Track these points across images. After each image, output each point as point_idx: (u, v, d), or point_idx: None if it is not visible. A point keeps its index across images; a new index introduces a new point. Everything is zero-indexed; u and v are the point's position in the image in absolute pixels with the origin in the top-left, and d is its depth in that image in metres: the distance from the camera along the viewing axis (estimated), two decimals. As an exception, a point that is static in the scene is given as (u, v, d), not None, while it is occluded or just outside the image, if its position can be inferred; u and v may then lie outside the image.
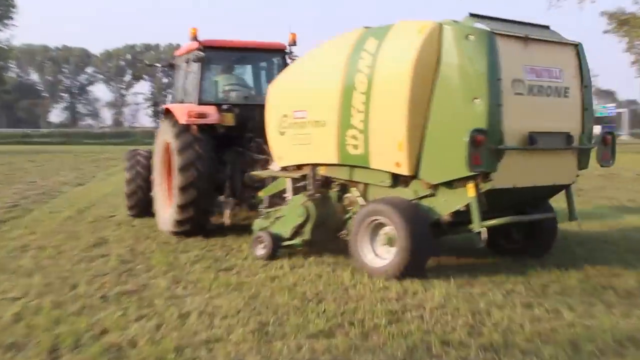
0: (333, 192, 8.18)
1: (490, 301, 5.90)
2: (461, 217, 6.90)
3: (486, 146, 6.49)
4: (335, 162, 7.82)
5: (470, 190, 6.71)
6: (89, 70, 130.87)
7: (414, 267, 6.82)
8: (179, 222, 9.46)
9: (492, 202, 6.80)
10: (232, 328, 5.14)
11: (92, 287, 6.45)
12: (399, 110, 7.01)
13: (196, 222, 9.47)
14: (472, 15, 6.86)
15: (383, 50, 7.35)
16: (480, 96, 6.52)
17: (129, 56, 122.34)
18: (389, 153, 7.20)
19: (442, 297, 5.99)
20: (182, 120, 9.64)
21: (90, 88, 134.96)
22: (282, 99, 8.69)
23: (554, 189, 7.46)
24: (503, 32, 6.76)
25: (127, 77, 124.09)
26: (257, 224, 8.62)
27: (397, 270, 6.81)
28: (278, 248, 8.05)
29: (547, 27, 7.44)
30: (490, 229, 6.78)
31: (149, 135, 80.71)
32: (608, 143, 7.69)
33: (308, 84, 8.34)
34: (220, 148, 9.87)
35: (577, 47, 7.43)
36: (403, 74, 6.99)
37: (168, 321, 5.32)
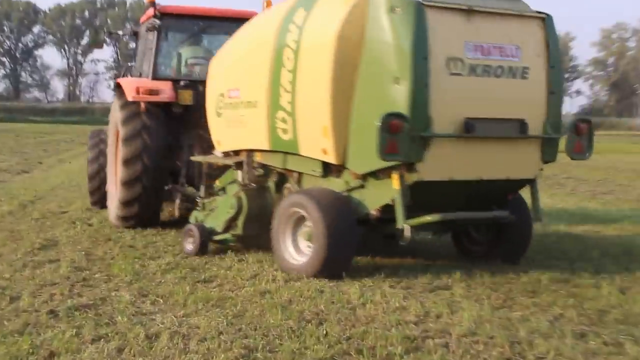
0: (271, 181, 8.79)
1: (533, 328, 5.90)
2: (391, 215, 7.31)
3: (406, 133, 6.92)
4: (267, 147, 8.42)
5: (394, 182, 7.17)
6: (36, 29, 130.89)
7: (331, 267, 7.39)
8: (122, 218, 10.41)
9: (427, 196, 7.29)
10: (212, 353, 5.14)
11: (37, 300, 6.45)
12: (323, 91, 7.49)
13: (142, 218, 10.35)
14: None
15: (309, 23, 7.85)
16: (402, 77, 6.94)
17: (87, 14, 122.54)
18: (315, 139, 7.72)
19: (473, 321, 6.00)
20: (130, 96, 10.23)
21: (37, 52, 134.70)
22: (219, 76, 9.31)
23: (510, 184, 7.84)
24: (438, 4, 7.15)
25: (85, 40, 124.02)
26: (194, 216, 9.48)
27: (313, 270, 7.44)
28: (207, 243, 8.79)
29: None
30: (448, 226, 7.58)
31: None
32: (582, 132, 8.01)
33: (241, 59, 8.91)
34: (179, 130, 10.45)
35: (545, 21, 7.75)
36: (325, 50, 7.47)
37: (132, 344, 5.32)
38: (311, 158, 7.96)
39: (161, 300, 6.51)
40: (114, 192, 10.75)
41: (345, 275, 7.52)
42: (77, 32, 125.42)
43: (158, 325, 5.76)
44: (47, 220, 11.10)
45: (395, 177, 7.20)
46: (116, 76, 13.84)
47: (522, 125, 7.63)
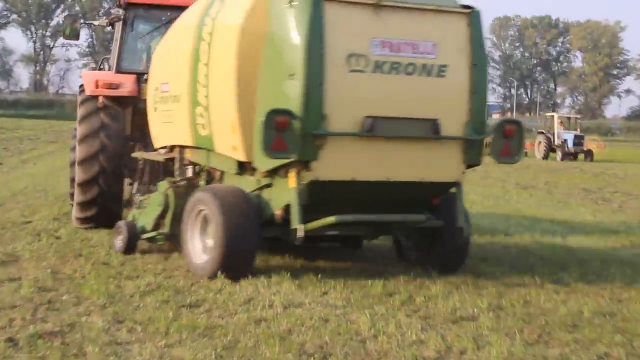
0: (202, 179, 9.73)
1: (573, 368, 6.04)
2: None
3: (295, 130, 7.76)
4: (190, 143, 9.43)
5: (291, 181, 8.01)
6: None
7: (228, 267, 8.25)
8: (80, 220, 11.41)
9: (333, 197, 8.20)
10: (198, 392, 5.24)
11: (-5, 325, 6.68)
12: (229, 86, 8.38)
13: (101, 221, 11.22)
14: None
15: (220, 15, 8.73)
16: (296, 73, 7.76)
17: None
18: (226, 135, 8.61)
19: (502, 359, 5.98)
20: (88, 90, 11.15)
21: None
22: (155, 69, 10.31)
23: (430, 187, 8.61)
24: None
25: (55, 21, 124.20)
26: (132, 213, 10.43)
27: (212, 270, 8.32)
28: (136, 241, 9.81)
29: None
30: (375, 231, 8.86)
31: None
32: (510, 135, 8.78)
33: (169, 52, 9.87)
34: (144, 126, 10.93)
35: (470, 16, 8.46)
36: (230, 44, 8.37)
37: (105, 378, 5.40)
38: (225, 155, 8.83)
39: (139, 328, 6.48)
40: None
41: (354, 301, 7.55)
42: (46, 11, 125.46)
43: (135, 357, 5.74)
44: (7, 232, 11.08)
45: (291, 175, 8.00)
46: (93, 69, 14.65)
47: (434, 125, 8.31)
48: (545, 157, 44.36)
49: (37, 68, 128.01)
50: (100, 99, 11.02)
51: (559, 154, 44.54)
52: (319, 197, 8.11)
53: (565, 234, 13.09)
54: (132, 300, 7.43)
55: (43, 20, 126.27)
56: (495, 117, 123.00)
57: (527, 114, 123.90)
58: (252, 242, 8.38)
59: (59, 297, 7.44)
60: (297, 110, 7.81)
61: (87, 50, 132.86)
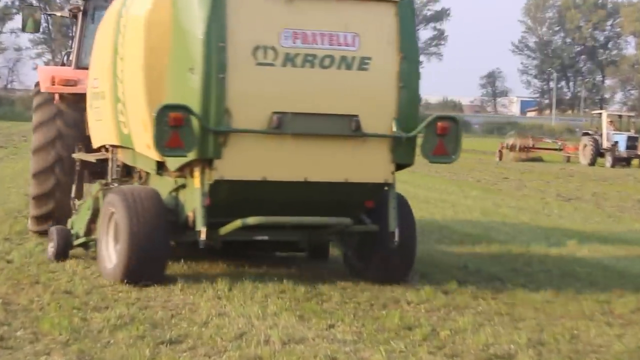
0: (134, 181, 10.60)
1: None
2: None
3: (192, 126, 8.61)
4: (115, 142, 10.32)
5: (195, 180, 8.93)
6: None
7: (134, 274, 9.11)
8: (36, 219, 12.18)
9: (243, 198, 9.02)
10: None
11: None
12: (139, 81, 9.24)
13: (58, 218, 11.69)
14: None
15: (132, 6, 9.59)
16: (196, 66, 8.64)
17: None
18: (141, 133, 9.40)
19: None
20: (44, 87, 11.87)
21: None
22: (91, 63, 11.14)
23: (358, 189, 9.39)
24: None
25: (2, 3, 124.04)
26: (70, 219, 11.24)
27: (118, 275, 9.25)
28: (68, 248, 10.64)
29: None
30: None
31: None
32: (444, 132, 9.50)
33: (97, 45, 10.77)
34: None
35: (398, 5, 9.22)
36: (139, 36, 9.23)
37: None
38: (145, 154, 9.65)
39: (110, 369, 6.60)
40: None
41: (366, 335, 7.50)
42: None
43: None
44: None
45: (196, 174, 8.92)
46: (50, 62, 15.62)
47: (354, 122, 9.07)
48: (592, 163, 44.17)
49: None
50: (57, 96, 11.72)
51: (608, 159, 44.38)
52: (230, 198, 9.01)
53: (617, 255, 13.08)
54: (100, 336, 7.36)
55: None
56: (531, 114, 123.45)
57: (570, 112, 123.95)
58: (160, 248, 9.27)
59: (12, 333, 7.36)
60: (196, 105, 8.66)
61: (41, 37, 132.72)
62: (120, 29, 9.72)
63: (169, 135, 8.59)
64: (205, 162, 8.83)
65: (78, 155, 11.74)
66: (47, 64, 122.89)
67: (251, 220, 9.05)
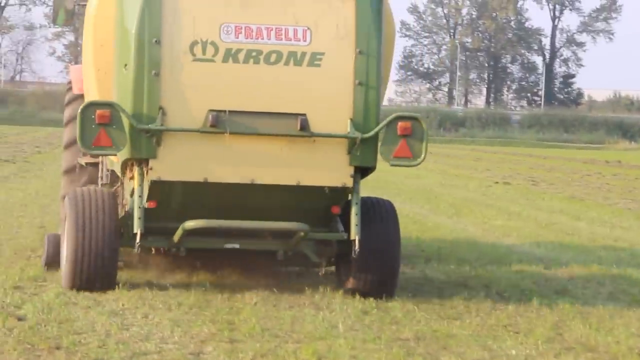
0: (119, 185, 12.98)
1: None
2: None
3: (120, 124, 10.69)
4: None
5: (134, 181, 10.91)
6: None
7: (81, 280, 11.48)
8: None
9: (187, 200, 11.28)
10: None
11: None
12: (92, 80, 11.78)
13: None
14: None
15: (88, 3, 12.18)
16: (129, 62, 10.67)
17: None
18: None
19: None
20: (76, 88, 13.71)
21: None
22: None
23: (309, 192, 11.20)
24: None
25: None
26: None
27: (66, 282, 11.54)
28: (58, 256, 12.27)
29: None
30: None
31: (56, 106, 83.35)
32: (406, 133, 11.34)
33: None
34: None
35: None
36: (88, 32, 11.69)
37: None
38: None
39: None
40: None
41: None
42: None
43: None
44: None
45: (135, 175, 10.97)
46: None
47: (301, 121, 10.88)
48: None
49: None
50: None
51: None
52: (173, 201, 11.23)
53: None
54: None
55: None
56: None
57: None
58: (107, 253, 11.42)
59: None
60: (129, 103, 10.72)
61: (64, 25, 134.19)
62: (88, 26, 11.95)
63: (96, 133, 10.84)
64: (143, 162, 10.89)
65: (81, 159, 13.85)
66: (67, 47, 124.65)
67: (190, 224, 11.04)
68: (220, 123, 10.71)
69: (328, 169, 11.08)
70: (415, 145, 11.34)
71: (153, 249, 12.29)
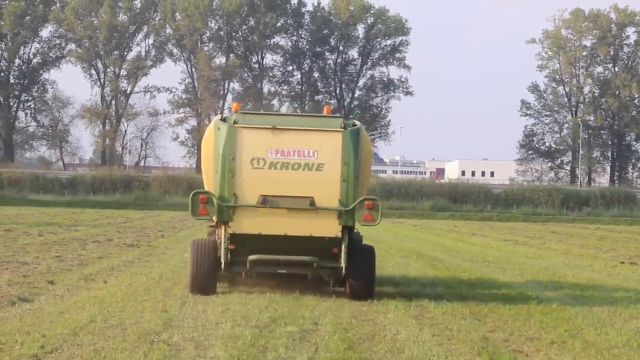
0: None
1: None
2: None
3: (213, 202, 21.09)
4: None
5: (221, 232, 21.30)
6: (46, 31, 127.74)
7: (195, 287, 22.58)
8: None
9: (251, 244, 21.44)
10: None
11: None
12: (203, 176, 23.12)
13: None
14: (241, 112, 21.58)
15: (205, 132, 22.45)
16: (217, 169, 20.74)
17: None
18: None
19: None
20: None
21: (46, 74, 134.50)
22: None
23: (316, 240, 21.34)
24: (246, 126, 21.04)
25: (135, 52, 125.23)
26: None
27: (188, 287, 22.53)
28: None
29: (330, 117, 22.01)
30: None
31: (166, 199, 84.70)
32: (369, 207, 21.29)
33: None
34: None
35: (343, 133, 20.69)
36: (202, 150, 22.33)
37: None
38: None
39: None
40: None
41: None
42: (120, 38, 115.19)
43: None
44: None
45: (222, 230, 21.29)
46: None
47: (310, 200, 20.81)
48: None
49: (107, 127, 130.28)
50: None
51: None
52: (243, 244, 21.36)
53: None
54: None
55: (115, 52, 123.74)
56: None
57: None
58: (209, 274, 22.78)
59: None
60: (217, 191, 21.05)
61: (183, 97, 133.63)
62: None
63: (199, 208, 21.62)
64: (225, 223, 21.15)
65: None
66: (190, 132, 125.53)
67: (252, 257, 21.42)
68: (266, 202, 20.58)
69: (327, 227, 21.26)
70: (374, 214, 21.78)
71: (241, 274, 22.84)
